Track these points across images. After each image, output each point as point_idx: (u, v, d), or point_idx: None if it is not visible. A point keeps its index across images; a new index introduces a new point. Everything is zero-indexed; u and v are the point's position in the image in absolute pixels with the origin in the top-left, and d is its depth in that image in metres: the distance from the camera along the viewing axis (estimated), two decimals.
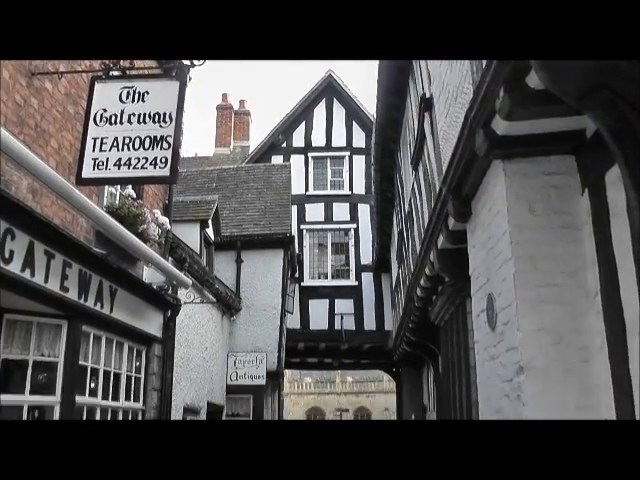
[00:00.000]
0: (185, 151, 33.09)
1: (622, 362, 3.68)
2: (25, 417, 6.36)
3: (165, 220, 8.80)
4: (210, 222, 12.87)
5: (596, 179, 4.04)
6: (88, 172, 5.90)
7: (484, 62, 4.17)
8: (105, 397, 7.63)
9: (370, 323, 17.93)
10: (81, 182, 5.97)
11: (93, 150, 5.93)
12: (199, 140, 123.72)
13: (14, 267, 5.44)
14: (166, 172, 5.80)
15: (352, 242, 19.00)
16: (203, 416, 11.70)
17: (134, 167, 5.81)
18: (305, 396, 64.48)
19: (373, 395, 63.33)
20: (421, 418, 16.07)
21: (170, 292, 9.17)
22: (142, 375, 8.67)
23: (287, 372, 58.04)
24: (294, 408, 62.67)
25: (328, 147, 20.12)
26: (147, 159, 5.83)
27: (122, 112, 6.04)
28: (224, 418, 13.45)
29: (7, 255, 5.32)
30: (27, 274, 5.64)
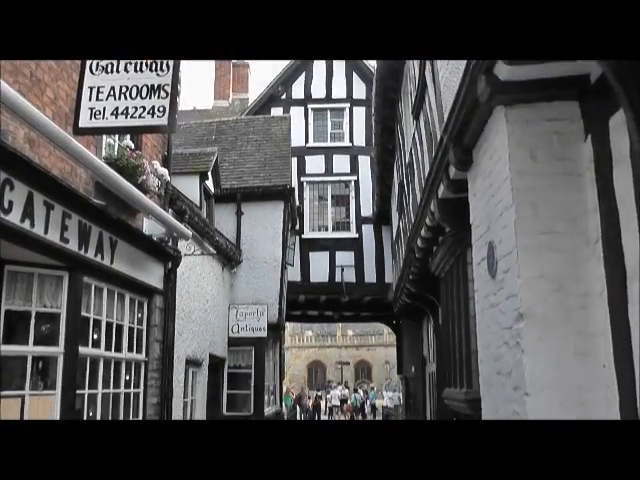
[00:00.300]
0: (184, 104, 32.90)
1: (621, 308, 3.70)
2: (29, 368, 6.44)
3: (164, 171, 8.76)
4: (210, 174, 12.82)
5: (599, 125, 4.00)
6: (85, 122, 5.85)
7: None
8: (108, 348, 7.71)
9: (370, 275, 17.99)
10: (78, 132, 5.92)
11: (90, 99, 5.87)
12: (198, 93, 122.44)
13: (13, 217, 5.43)
14: (164, 121, 5.75)
15: (352, 194, 18.95)
16: (205, 368, 11.84)
17: (131, 116, 5.76)
18: (306, 349, 65.22)
19: (373, 348, 64.04)
20: (421, 370, 16.25)
21: (170, 244, 9.18)
22: (144, 327, 8.75)
23: (288, 325, 58.68)
24: (295, 361, 63.44)
25: (328, 99, 19.91)
26: (144, 108, 5.77)
27: (118, 60, 5.96)
28: (226, 370, 13.61)
29: (6, 205, 5.31)
30: (27, 225, 5.63)
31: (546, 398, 4.09)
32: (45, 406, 6.58)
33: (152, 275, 8.74)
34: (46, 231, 5.97)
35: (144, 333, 8.74)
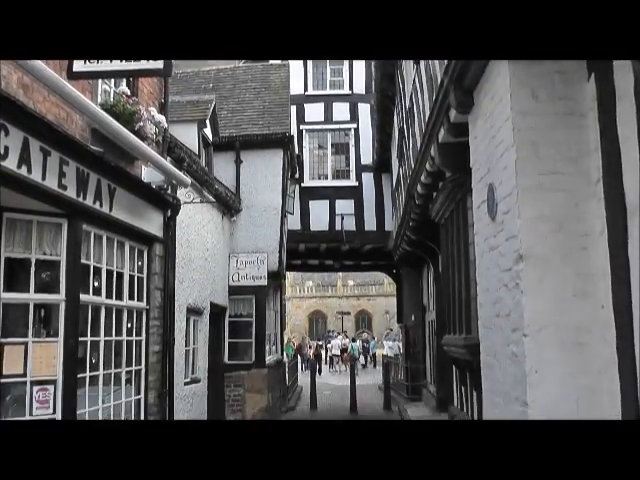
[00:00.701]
0: None
1: (621, 248, 3.70)
2: (31, 316, 6.48)
3: (162, 118, 8.67)
4: (208, 122, 12.70)
5: (603, 63, 3.94)
6: (79, 66, 5.77)
7: None
8: (109, 296, 7.75)
9: (371, 223, 17.99)
10: (72, 76, 5.84)
11: None
12: None
13: (10, 163, 5.40)
14: (159, 64, 5.66)
15: (352, 142, 18.81)
16: (206, 317, 11.93)
17: (126, 60, 5.67)
18: (307, 300, 65.77)
19: (374, 298, 64.55)
20: (421, 319, 16.40)
21: (169, 192, 9.15)
22: (144, 275, 8.78)
23: (289, 276, 59.04)
24: (296, 311, 64.02)
25: None
26: None
27: None
28: (227, 319, 13.72)
29: (2, 151, 5.26)
30: (24, 171, 5.60)
31: (544, 339, 4.12)
32: (48, 353, 6.65)
33: (151, 223, 8.73)
34: (44, 177, 5.94)
35: (144, 281, 8.77)
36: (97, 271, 7.49)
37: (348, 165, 18.73)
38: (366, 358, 37.92)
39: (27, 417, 6.40)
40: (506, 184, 4.50)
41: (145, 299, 8.76)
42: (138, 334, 8.60)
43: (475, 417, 8.79)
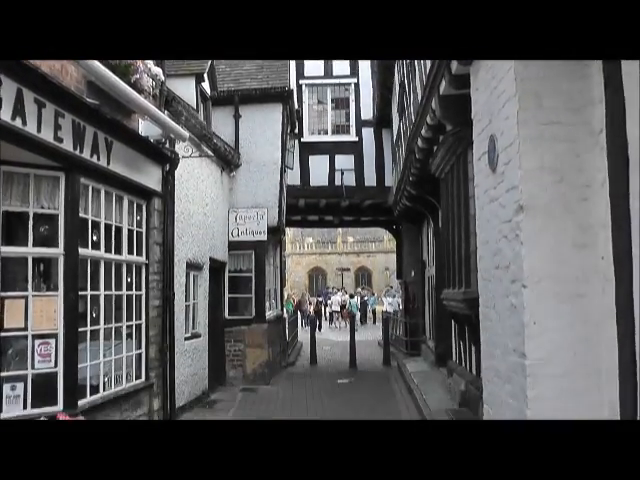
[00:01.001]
0: None
1: (623, 199, 3.67)
2: (30, 270, 6.49)
3: (158, 71, 8.55)
4: (206, 76, 12.53)
5: None
6: None
7: None
8: (108, 250, 7.74)
9: (371, 179, 17.88)
10: None
11: None
12: None
13: (4, 115, 5.34)
14: None
15: (352, 97, 18.59)
16: (206, 272, 11.95)
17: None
18: (307, 256, 65.91)
19: (374, 255, 64.71)
20: (420, 274, 16.45)
21: (167, 146, 9.07)
22: (143, 229, 8.76)
23: (288, 232, 59.02)
24: (296, 268, 64.23)
25: None
26: None
27: None
28: (227, 274, 13.75)
29: None
30: (18, 122, 5.53)
31: (543, 289, 4.13)
32: (49, 307, 6.68)
33: (150, 177, 8.68)
34: (39, 130, 5.88)
35: (143, 236, 8.76)
36: (96, 225, 7.47)
37: (348, 120, 18.55)
38: (365, 314, 38.17)
39: (29, 370, 6.46)
40: (507, 135, 4.46)
41: (144, 254, 8.76)
42: (138, 289, 8.62)
43: (473, 371, 8.88)
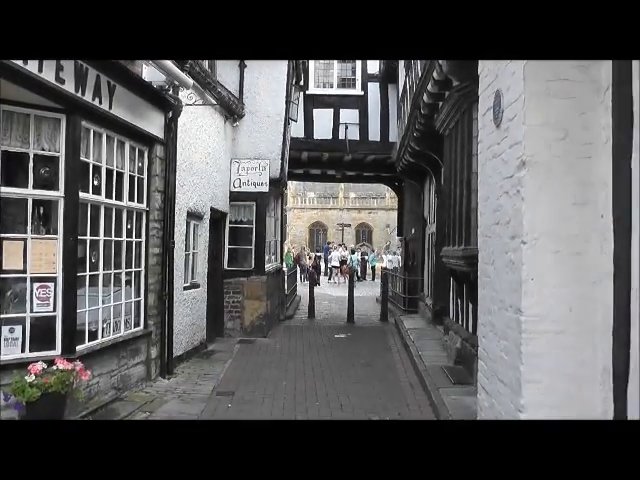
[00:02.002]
0: None
1: (625, 158, 3.67)
2: (30, 212, 6.52)
3: None
4: None
5: None
6: None
7: None
8: (109, 196, 7.77)
9: (375, 134, 17.78)
10: None
11: None
12: None
13: None
14: None
15: None
16: (207, 222, 11.97)
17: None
18: (308, 211, 65.97)
19: (375, 211, 64.80)
20: (421, 232, 16.47)
21: (171, 93, 9.01)
22: (145, 176, 8.77)
23: (290, 186, 58.84)
24: (297, 222, 64.35)
25: None
26: None
27: None
28: (228, 225, 13.77)
29: None
30: (19, 61, 5.49)
31: (542, 246, 4.15)
32: (48, 250, 6.73)
33: (152, 123, 8.65)
34: (40, 69, 5.85)
35: (145, 182, 8.77)
36: (97, 170, 7.48)
37: (354, 74, 18.35)
38: (365, 270, 38.32)
39: (28, 313, 6.53)
40: (513, 90, 4.42)
41: (145, 201, 8.79)
42: (138, 236, 8.67)
43: (470, 328, 8.97)
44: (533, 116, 4.15)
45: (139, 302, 8.73)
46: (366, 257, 39.94)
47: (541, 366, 4.15)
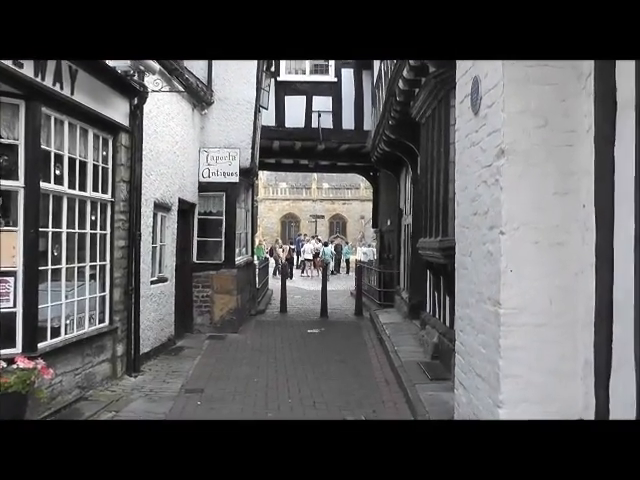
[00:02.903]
0: None
1: (608, 146, 3.69)
2: None
3: None
4: None
5: None
6: None
7: None
8: (72, 186, 7.65)
9: (349, 122, 17.74)
10: None
11: None
12: None
13: None
14: None
15: None
16: (175, 213, 11.87)
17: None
18: (280, 202, 65.77)
19: (349, 202, 64.80)
20: (397, 223, 16.50)
21: (136, 78, 8.89)
22: (109, 165, 8.65)
23: (261, 176, 58.55)
24: (268, 214, 64.14)
25: None
26: None
27: None
28: (196, 216, 13.67)
29: None
30: None
31: (521, 237, 4.17)
32: (7, 243, 6.60)
33: (117, 110, 8.53)
34: None
35: (110, 172, 8.65)
36: (59, 159, 7.36)
37: (327, 60, 18.30)
38: (339, 263, 38.36)
39: None
40: (492, 76, 4.43)
41: (110, 191, 8.68)
42: (103, 228, 8.56)
43: (447, 322, 9.00)
44: (512, 103, 4.16)
45: (104, 297, 8.63)
46: (340, 249, 39.96)
47: (520, 360, 4.17)
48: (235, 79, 13.63)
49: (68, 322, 7.68)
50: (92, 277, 8.34)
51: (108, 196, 8.63)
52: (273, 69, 16.40)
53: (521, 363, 4.16)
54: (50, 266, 7.29)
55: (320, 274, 22.93)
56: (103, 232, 8.56)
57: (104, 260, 8.62)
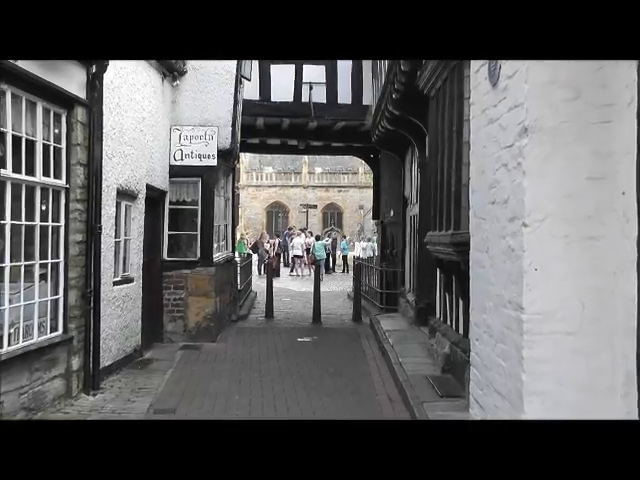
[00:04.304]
0: None
1: None
2: None
3: None
4: None
5: None
6: None
7: None
8: (17, 170, 7.58)
9: (345, 95, 17.68)
10: None
11: None
12: None
13: None
14: None
15: None
16: (142, 202, 11.80)
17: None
18: (265, 189, 65.90)
19: (346, 190, 64.96)
20: (401, 214, 16.48)
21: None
22: (63, 146, 8.59)
23: (244, 159, 58.57)
24: (252, 203, 64.25)
25: None
26: None
27: None
28: (167, 205, 13.61)
29: None
30: None
31: (548, 230, 4.12)
32: None
33: (71, 80, 8.47)
34: None
35: (63, 153, 8.59)
36: (1, 137, 7.28)
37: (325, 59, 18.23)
38: (334, 261, 38.37)
39: None
40: None
41: (64, 176, 8.61)
42: (55, 219, 8.49)
43: (460, 330, 8.98)
44: (537, 72, 4.11)
45: (57, 301, 8.56)
46: (335, 244, 40.00)
47: (547, 374, 4.13)
48: None
49: (12, 331, 7.61)
50: (43, 277, 8.28)
51: (62, 182, 8.55)
52: None
53: (548, 378, 4.12)
54: None
55: (312, 273, 22.91)
56: (56, 224, 8.49)
57: (57, 257, 8.54)
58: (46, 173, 8.18)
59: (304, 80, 17.56)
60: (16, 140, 7.51)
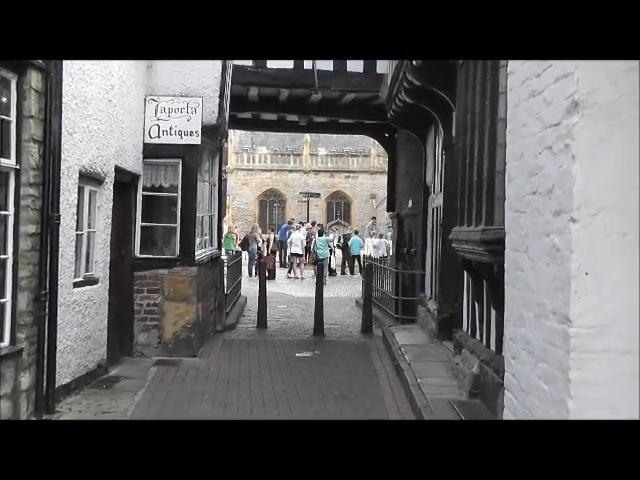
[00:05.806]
0: None
1: None
2: None
3: None
4: None
5: None
6: None
7: None
8: None
9: (356, 62, 17.69)
10: None
11: None
12: None
13: None
14: None
15: None
16: (109, 188, 11.81)
17: None
18: (258, 174, 65.99)
19: (355, 176, 65.06)
20: (422, 205, 16.49)
21: None
22: (12, 118, 8.56)
23: (232, 138, 58.56)
24: (242, 190, 64.33)
25: None
26: None
27: None
28: (140, 191, 13.61)
29: None
30: None
31: (601, 226, 4.13)
32: None
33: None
34: None
35: (12, 127, 8.55)
36: None
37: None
38: (343, 262, 38.45)
39: None
40: None
41: (14, 155, 8.57)
42: (3, 207, 8.48)
43: (492, 345, 8.97)
44: None
45: (3, 305, 8.54)
46: (340, 241, 40.07)
47: (599, 401, 4.13)
48: None
49: None
50: None
51: (11, 162, 8.52)
52: None
53: (600, 405, 4.12)
54: None
55: (314, 275, 22.94)
56: (3, 213, 8.47)
57: (4, 253, 8.53)
58: None
59: None
60: None
